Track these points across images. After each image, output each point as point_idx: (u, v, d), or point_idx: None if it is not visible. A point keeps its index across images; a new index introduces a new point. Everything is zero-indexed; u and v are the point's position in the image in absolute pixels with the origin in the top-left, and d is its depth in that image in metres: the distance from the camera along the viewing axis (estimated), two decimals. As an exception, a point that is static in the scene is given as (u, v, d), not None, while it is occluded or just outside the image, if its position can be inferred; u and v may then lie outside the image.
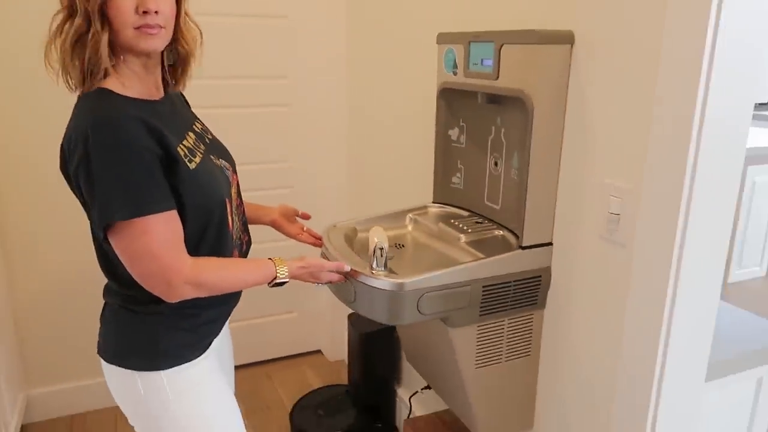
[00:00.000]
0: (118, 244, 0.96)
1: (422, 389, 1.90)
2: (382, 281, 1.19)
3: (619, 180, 1.11)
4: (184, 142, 1.05)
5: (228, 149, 1.23)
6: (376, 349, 2.12)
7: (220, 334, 1.21)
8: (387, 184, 2.15)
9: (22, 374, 2.17)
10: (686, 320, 1.09)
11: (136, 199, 0.93)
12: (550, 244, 1.31)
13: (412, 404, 2.02)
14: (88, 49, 0.95)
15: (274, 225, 1.40)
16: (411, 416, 2.00)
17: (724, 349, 1.32)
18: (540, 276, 1.32)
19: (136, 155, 0.93)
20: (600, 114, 1.15)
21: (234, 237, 1.15)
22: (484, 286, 1.25)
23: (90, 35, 0.94)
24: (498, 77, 1.26)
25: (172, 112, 1.11)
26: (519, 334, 1.35)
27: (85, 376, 2.26)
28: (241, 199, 1.23)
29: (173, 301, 1.01)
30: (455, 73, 1.42)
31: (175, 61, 1.10)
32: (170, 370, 1.06)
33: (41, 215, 2.09)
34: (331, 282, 1.21)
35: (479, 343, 1.30)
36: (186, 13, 1.07)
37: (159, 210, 0.95)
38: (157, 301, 1.01)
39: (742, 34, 0.93)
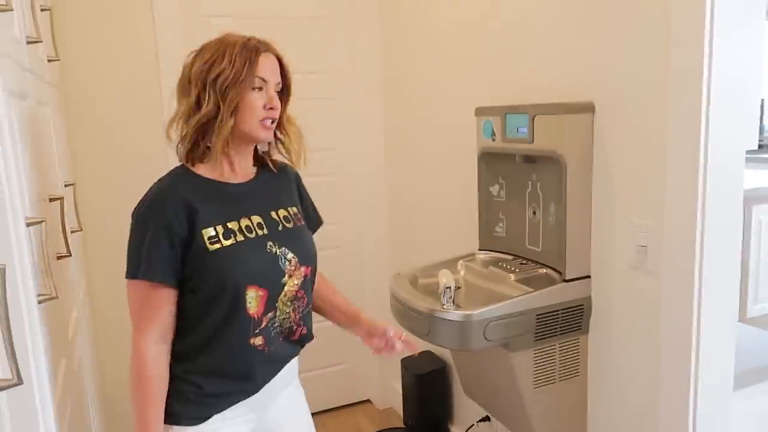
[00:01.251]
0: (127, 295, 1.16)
1: (478, 422, 2.08)
2: (453, 314, 1.43)
3: (643, 218, 1.36)
4: (230, 224, 1.17)
5: (310, 246, 1.30)
6: (430, 390, 2.31)
7: (272, 425, 1.29)
8: (429, 237, 2.41)
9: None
10: (711, 335, 1.31)
11: (137, 265, 1.12)
12: (589, 276, 1.54)
13: (468, 438, 2.19)
14: (214, 133, 1.15)
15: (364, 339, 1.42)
16: (467, 450, 2.17)
17: (749, 363, 1.53)
18: (582, 305, 1.55)
19: (156, 231, 1.11)
20: (621, 165, 1.41)
21: (265, 324, 1.20)
22: (537, 315, 1.48)
23: (218, 121, 1.14)
24: (533, 141, 1.54)
25: (247, 195, 1.23)
26: (568, 356, 1.56)
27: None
28: (305, 292, 1.27)
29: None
30: (494, 140, 1.70)
31: (272, 150, 1.31)
32: (167, 425, 1.17)
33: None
34: None
35: (536, 365, 1.52)
36: (288, 114, 1.29)
37: (149, 278, 1.11)
38: (175, 361, 1.17)
39: (729, 100, 1.20)
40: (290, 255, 1.23)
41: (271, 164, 1.32)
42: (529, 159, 1.64)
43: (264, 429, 1.29)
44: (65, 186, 1.79)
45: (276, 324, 1.22)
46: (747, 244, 3.59)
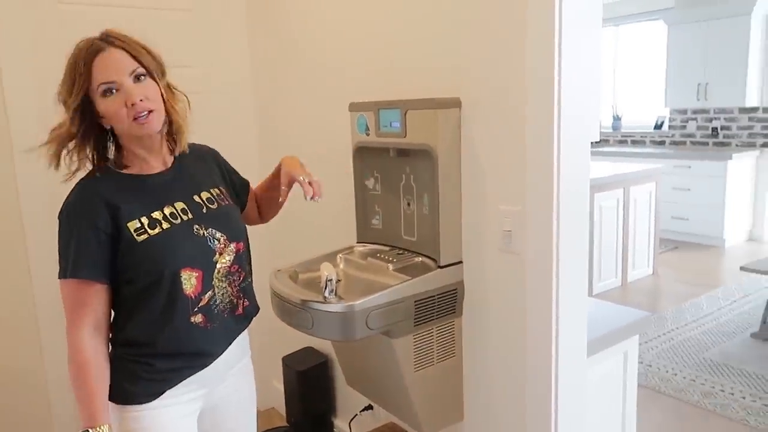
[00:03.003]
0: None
1: (361, 411, 2.13)
2: (336, 306, 1.45)
3: (508, 205, 1.48)
4: (153, 214, 1.22)
5: (236, 223, 1.36)
6: (312, 385, 2.32)
7: (218, 401, 1.36)
8: (306, 232, 2.41)
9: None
10: (567, 308, 1.45)
11: (66, 265, 1.17)
12: (461, 262, 1.64)
13: (352, 428, 2.23)
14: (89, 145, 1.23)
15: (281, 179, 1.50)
16: (351, 441, 2.21)
17: (596, 332, 1.71)
18: (456, 289, 1.64)
19: (81, 230, 1.17)
20: (487, 157, 1.52)
21: (206, 302, 1.26)
22: (415, 301, 1.55)
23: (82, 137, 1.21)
24: (406, 135, 1.61)
25: (166, 183, 1.28)
26: (445, 338, 1.65)
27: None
28: (240, 266, 1.33)
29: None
30: (368, 134, 1.75)
31: (173, 131, 1.30)
32: (121, 405, 1.22)
33: None
34: None
35: (416, 349, 1.59)
36: (169, 87, 1.27)
37: (76, 276, 1.17)
38: (119, 345, 1.23)
39: (576, 98, 1.35)
40: (218, 234, 1.29)
41: (178, 144, 1.33)
42: (403, 152, 1.71)
43: (212, 404, 1.36)
44: None
45: (217, 301, 1.29)
46: (591, 229, 4.01)
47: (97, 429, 1.15)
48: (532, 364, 1.50)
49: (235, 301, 1.34)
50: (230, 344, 1.35)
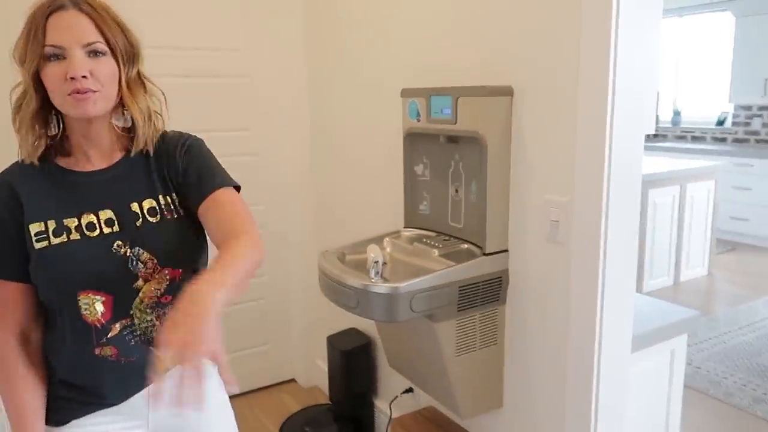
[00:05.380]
0: None
1: (402, 393, 2.17)
2: (381, 287, 1.49)
3: (556, 195, 1.48)
4: (66, 220, 1.03)
5: (178, 244, 1.08)
6: (355, 365, 2.37)
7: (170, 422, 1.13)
8: (355, 216, 2.45)
9: None
10: (612, 303, 1.44)
11: None
12: (506, 250, 1.65)
13: (392, 409, 2.27)
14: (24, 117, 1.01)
15: None
16: (392, 419, 2.25)
17: (643, 328, 1.69)
18: (500, 277, 1.65)
19: None
20: (536, 146, 1.52)
21: (117, 332, 1.05)
22: (459, 287, 1.57)
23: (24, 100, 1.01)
24: (456, 122, 1.62)
25: (99, 185, 1.07)
26: (488, 325, 1.67)
27: None
28: (174, 296, 1.06)
29: None
30: (419, 120, 1.77)
31: (128, 125, 1.08)
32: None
33: None
34: None
35: (458, 334, 1.61)
36: (139, 77, 1.07)
37: None
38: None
39: (632, 88, 1.33)
40: (145, 255, 1.05)
41: (134, 143, 1.09)
42: (452, 139, 1.72)
43: (166, 428, 1.14)
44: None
45: (137, 333, 1.07)
46: (644, 225, 3.90)
47: None
48: (574, 356, 1.50)
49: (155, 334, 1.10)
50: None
